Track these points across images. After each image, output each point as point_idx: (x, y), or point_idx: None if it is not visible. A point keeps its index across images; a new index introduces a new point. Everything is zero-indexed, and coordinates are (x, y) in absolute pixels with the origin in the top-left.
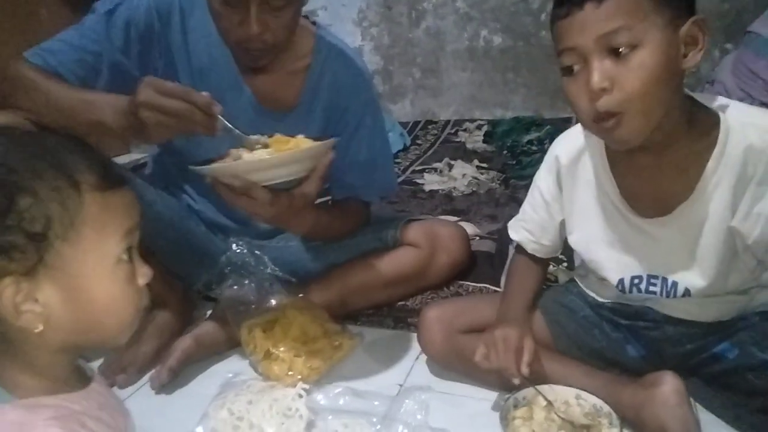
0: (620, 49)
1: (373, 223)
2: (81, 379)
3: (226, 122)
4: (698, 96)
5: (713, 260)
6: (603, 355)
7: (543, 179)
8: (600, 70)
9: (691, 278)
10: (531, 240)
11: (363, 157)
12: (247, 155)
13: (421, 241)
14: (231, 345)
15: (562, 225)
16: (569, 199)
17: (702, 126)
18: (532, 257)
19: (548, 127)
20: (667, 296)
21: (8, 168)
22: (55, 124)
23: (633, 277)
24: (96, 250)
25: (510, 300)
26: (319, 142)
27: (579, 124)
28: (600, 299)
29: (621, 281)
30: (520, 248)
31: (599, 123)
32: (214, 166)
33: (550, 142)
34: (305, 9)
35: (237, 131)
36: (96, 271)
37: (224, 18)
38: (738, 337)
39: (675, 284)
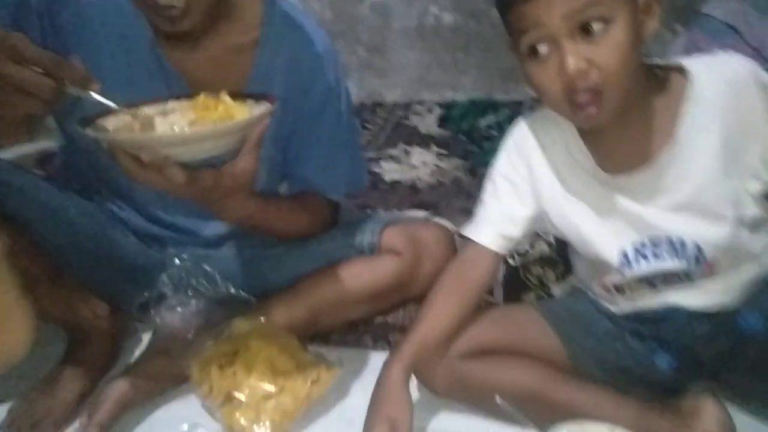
0: (591, 26)
1: (344, 226)
2: None
3: (106, 101)
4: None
5: (713, 204)
6: (629, 372)
7: (505, 164)
8: (574, 51)
9: (698, 230)
10: (492, 232)
11: (325, 148)
12: (160, 122)
13: (402, 248)
14: (177, 381)
15: (535, 215)
16: (543, 179)
17: (665, 77)
18: (480, 257)
19: (506, 109)
20: (679, 259)
21: None
22: None
23: (634, 245)
24: None
25: (416, 335)
26: (252, 113)
27: (538, 110)
28: (614, 309)
29: (624, 255)
30: (468, 248)
31: (574, 105)
32: (119, 134)
33: (509, 126)
34: None
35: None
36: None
37: None
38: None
39: (682, 242)
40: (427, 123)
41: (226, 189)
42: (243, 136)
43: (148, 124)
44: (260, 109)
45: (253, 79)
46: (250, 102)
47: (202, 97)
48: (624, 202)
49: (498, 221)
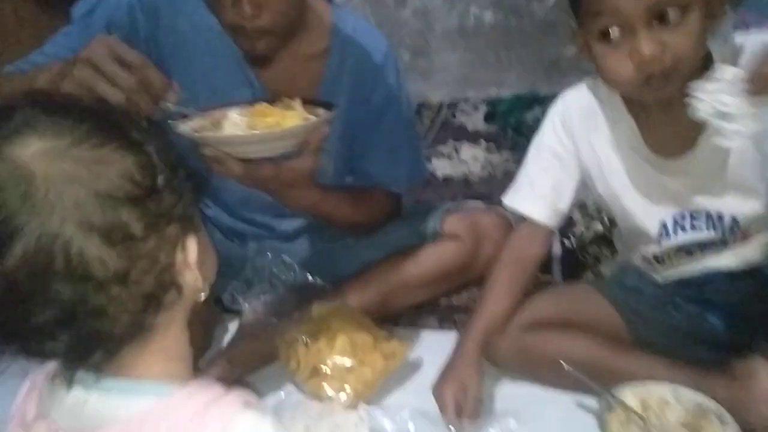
0: (668, 13)
1: (407, 216)
2: None
3: (183, 109)
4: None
5: (749, 180)
6: (685, 334)
7: (551, 138)
8: (650, 38)
9: (734, 205)
10: (545, 207)
11: (388, 146)
12: (229, 124)
13: (462, 233)
14: (267, 360)
15: (580, 184)
16: (589, 153)
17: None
18: (532, 235)
19: (551, 102)
20: (716, 230)
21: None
22: None
23: (674, 217)
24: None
25: (485, 311)
26: (299, 124)
27: (582, 84)
28: (659, 278)
29: (663, 226)
30: (519, 228)
31: (645, 86)
32: (189, 131)
33: None
34: None
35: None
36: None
37: (217, 1)
38: None
39: (720, 217)
40: (474, 120)
41: (287, 181)
42: (296, 141)
43: (217, 126)
44: (311, 122)
45: (324, 85)
46: (318, 109)
47: (259, 106)
48: (667, 180)
49: (549, 196)
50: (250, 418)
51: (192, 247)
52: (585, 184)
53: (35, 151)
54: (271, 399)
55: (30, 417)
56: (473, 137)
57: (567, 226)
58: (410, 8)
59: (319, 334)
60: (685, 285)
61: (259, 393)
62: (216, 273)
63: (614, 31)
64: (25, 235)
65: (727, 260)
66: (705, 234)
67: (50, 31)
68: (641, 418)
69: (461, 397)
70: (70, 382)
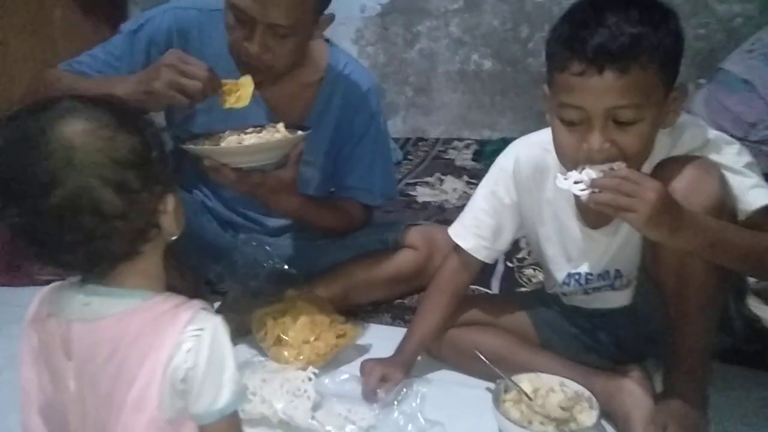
0: (622, 119)
1: (375, 226)
2: None
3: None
4: None
5: (635, 242)
6: (580, 341)
7: (500, 188)
8: (603, 135)
9: (622, 261)
10: (484, 246)
11: (365, 163)
12: (225, 141)
13: (419, 244)
14: (240, 334)
15: (517, 230)
16: (529, 205)
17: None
18: (466, 265)
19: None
20: (605, 281)
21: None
22: None
23: (578, 273)
24: None
25: (418, 326)
26: (282, 137)
27: (539, 136)
28: (565, 300)
29: (567, 275)
30: (456, 255)
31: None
32: (194, 145)
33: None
34: None
35: None
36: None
37: (233, 32)
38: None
39: (616, 271)
40: (463, 157)
41: (272, 188)
42: (280, 153)
43: (216, 141)
44: (290, 137)
45: (316, 108)
46: (297, 131)
47: (251, 128)
48: (585, 246)
49: (490, 238)
50: (206, 314)
51: (170, 201)
52: (520, 230)
53: (75, 128)
54: (241, 359)
55: (43, 316)
56: (458, 172)
57: (513, 250)
58: (417, 49)
59: (287, 311)
60: (582, 312)
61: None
62: (183, 224)
63: (575, 120)
64: (64, 183)
65: (612, 300)
66: (598, 284)
67: (94, 35)
68: (528, 397)
69: (379, 382)
70: (80, 286)
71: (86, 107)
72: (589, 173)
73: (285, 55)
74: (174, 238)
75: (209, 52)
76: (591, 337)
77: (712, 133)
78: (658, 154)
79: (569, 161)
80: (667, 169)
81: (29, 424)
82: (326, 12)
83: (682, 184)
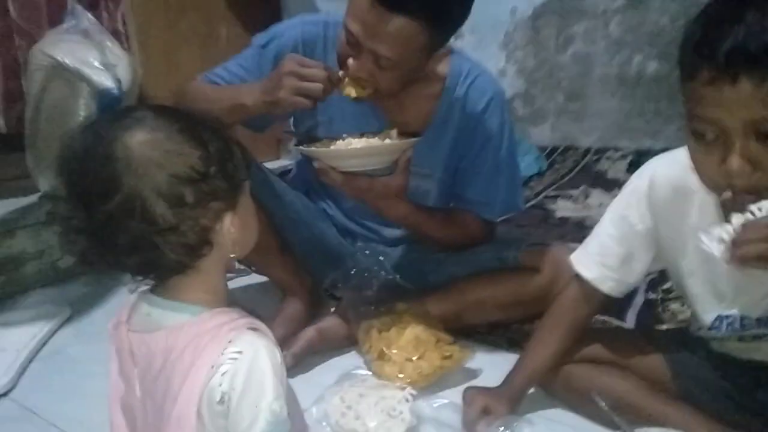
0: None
1: (496, 242)
2: None
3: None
4: None
5: None
6: (730, 398)
7: (632, 212)
8: (743, 154)
9: None
10: (609, 277)
11: (485, 176)
12: (339, 144)
13: (542, 266)
14: (350, 342)
15: (652, 261)
16: (667, 232)
17: None
18: (588, 297)
19: None
20: (764, 327)
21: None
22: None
23: (730, 316)
24: (247, 193)
25: (529, 358)
26: (389, 142)
27: (681, 152)
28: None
29: (717, 318)
30: (577, 284)
31: (729, 192)
32: (306, 147)
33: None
34: None
35: None
36: (250, 207)
37: (343, 47)
38: None
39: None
40: (617, 168)
41: (380, 193)
42: (388, 158)
43: (329, 144)
44: (397, 143)
45: (435, 121)
46: (410, 138)
47: (367, 135)
48: (742, 283)
49: (615, 267)
50: (251, 337)
51: (227, 220)
52: (657, 262)
53: (139, 139)
54: (340, 370)
55: (121, 321)
56: (608, 185)
57: (659, 280)
58: (571, 52)
59: (393, 325)
60: (736, 363)
61: (336, 368)
62: (252, 244)
63: (709, 135)
64: (123, 190)
65: None
66: (756, 330)
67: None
68: None
69: (481, 414)
70: (147, 297)
71: (155, 118)
72: (727, 229)
73: (387, 83)
74: (234, 257)
75: (332, 60)
76: (744, 394)
77: None
78: None
79: (710, 185)
80: None
81: (113, 419)
82: (445, 46)
83: None
